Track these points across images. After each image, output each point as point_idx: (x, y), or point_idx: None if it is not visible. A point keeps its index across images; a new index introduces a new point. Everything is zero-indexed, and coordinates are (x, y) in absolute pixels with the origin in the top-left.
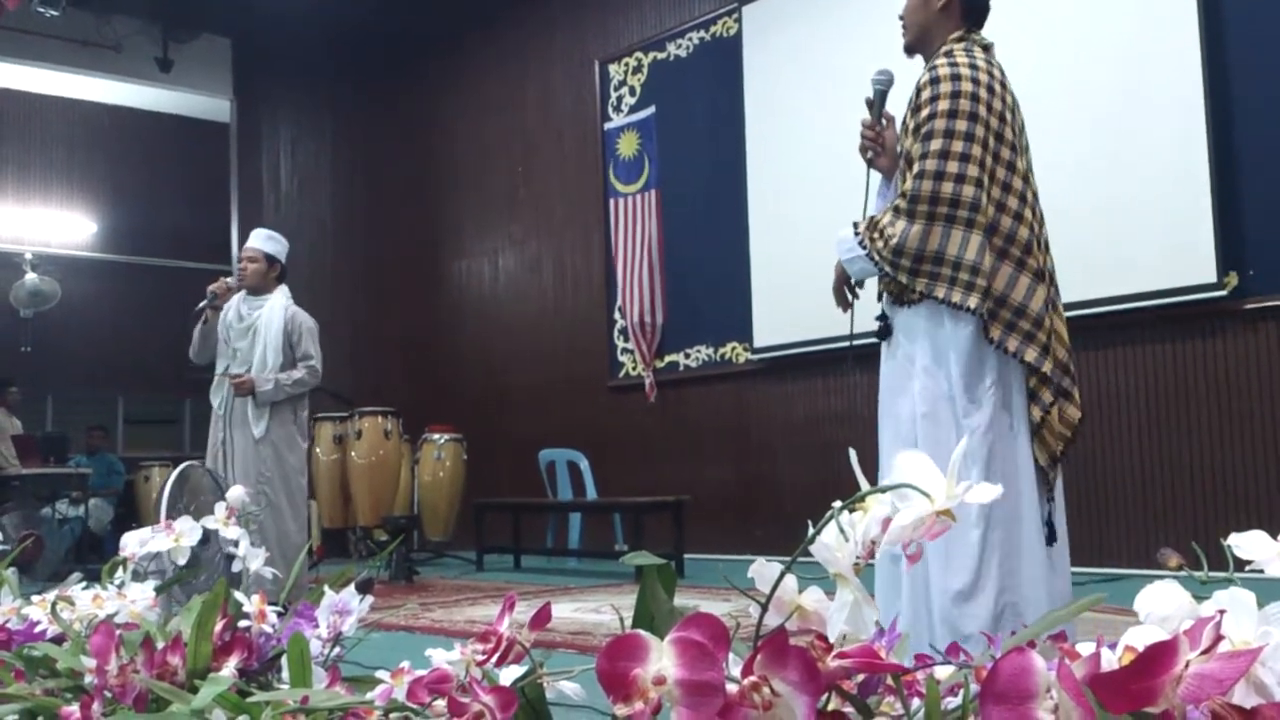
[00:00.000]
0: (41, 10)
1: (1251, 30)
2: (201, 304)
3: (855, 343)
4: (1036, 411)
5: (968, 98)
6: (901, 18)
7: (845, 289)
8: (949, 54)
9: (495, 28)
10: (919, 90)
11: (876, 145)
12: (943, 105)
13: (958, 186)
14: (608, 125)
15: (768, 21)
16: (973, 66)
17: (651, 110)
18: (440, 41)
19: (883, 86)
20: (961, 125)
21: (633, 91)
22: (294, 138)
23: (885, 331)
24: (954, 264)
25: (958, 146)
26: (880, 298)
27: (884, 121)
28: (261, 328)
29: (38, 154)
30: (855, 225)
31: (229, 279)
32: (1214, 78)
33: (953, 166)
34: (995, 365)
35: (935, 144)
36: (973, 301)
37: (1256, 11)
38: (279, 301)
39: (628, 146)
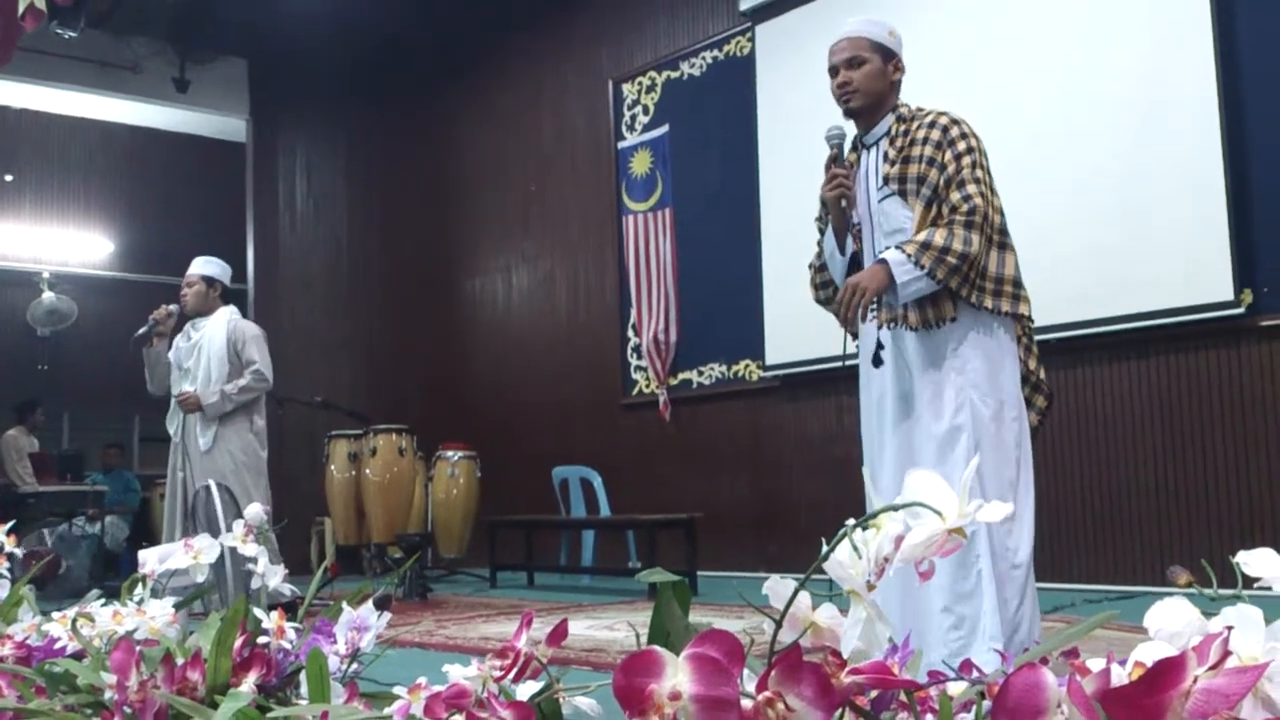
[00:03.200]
0: (60, 31)
1: (1266, 48)
2: (141, 330)
3: (848, 362)
4: (1034, 416)
5: (982, 142)
6: (848, 84)
7: (856, 308)
8: (925, 109)
9: (509, 47)
10: (945, 129)
11: (849, 193)
12: (974, 143)
13: (995, 215)
14: (621, 144)
15: (781, 40)
16: (966, 120)
17: (665, 129)
18: (455, 61)
19: (839, 140)
20: (986, 163)
21: (646, 110)
22: (309, 157)
23: (879, 359)
24: (997, 278)
25: (989, 180)
26: (886, 325)
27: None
28: (205, 343)
29: (55, 174)
30: (901, 249)
31: (170, 306)
32: (1228, 95)
33: (991, 196)
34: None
35: (979, 173)
36: (1024, 309)
37: (1271, 28)
38: (223, 317)
39: (641, 165)
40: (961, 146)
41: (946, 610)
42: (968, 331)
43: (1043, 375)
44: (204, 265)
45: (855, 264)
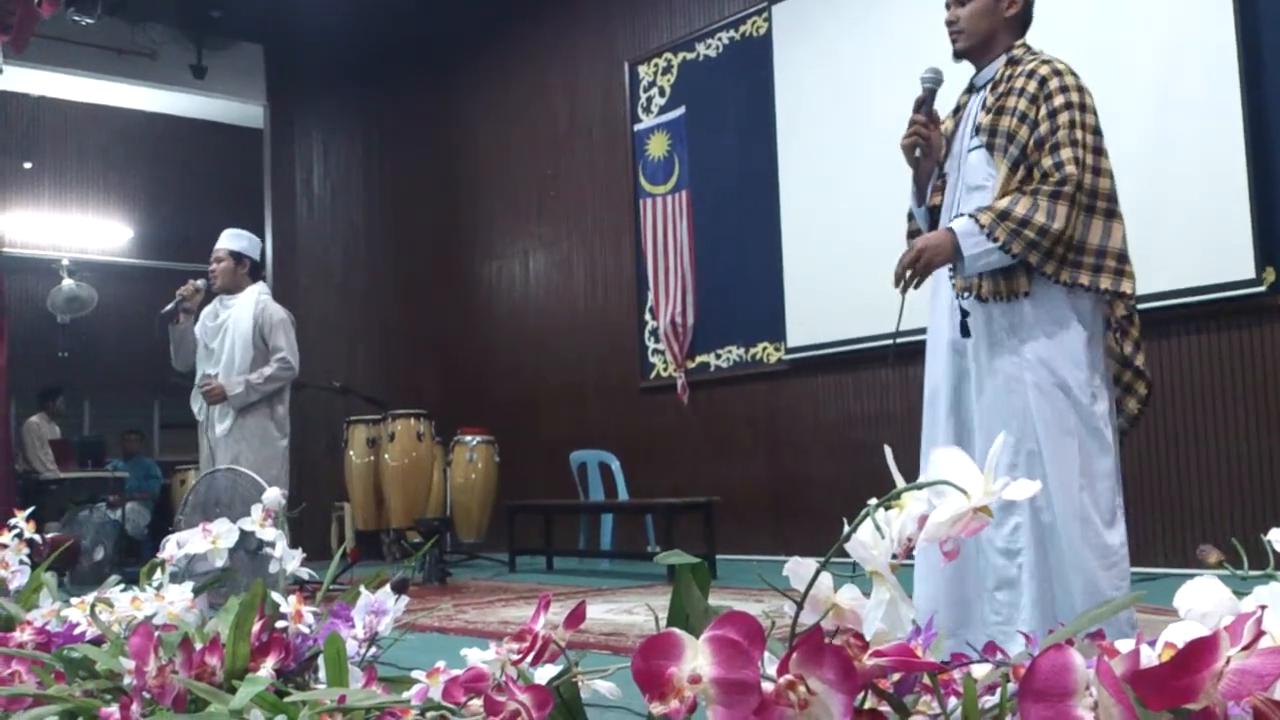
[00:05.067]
0: (77, 19)
1: None
2: (167, 307)
3: (899, 340)
4: (1134, 405)
5: (1089, 96)
6: (953, 23)
7: (915, 276)
8: (1040, 54)
9: (524, 30)
10: (1043, 80)
11: (925, 144)
12: (1075, 98)
13: (1097, 179)
14: (637, 126)
15: (797, 20)
16: (1074, 71)
17: (681, 111)
18: (470, 45)
19: (933, 85)
20: (1091, 121)
21: (662, 92)
22: (326, 142)
23: (966, 329)
24: (1098, 251)
25: (1092, 140)
26: (961, 295)
27: (931, 121)
28: (231, 325)
29: (74, 161)
30: (974, 217)
31: (198, 282)
32: (1250, 74)
33: (1092, 159)
34: (1103, 354)
35: (1079, 134)
36: (1127, 286)
37: None
38: (250, 297)
39: (658, 147)
40: (1059, 102)
41: (993, 592)
42: (1040, 308)
43: (1140, 362)
44: (232, 239)
45: (936, 218)
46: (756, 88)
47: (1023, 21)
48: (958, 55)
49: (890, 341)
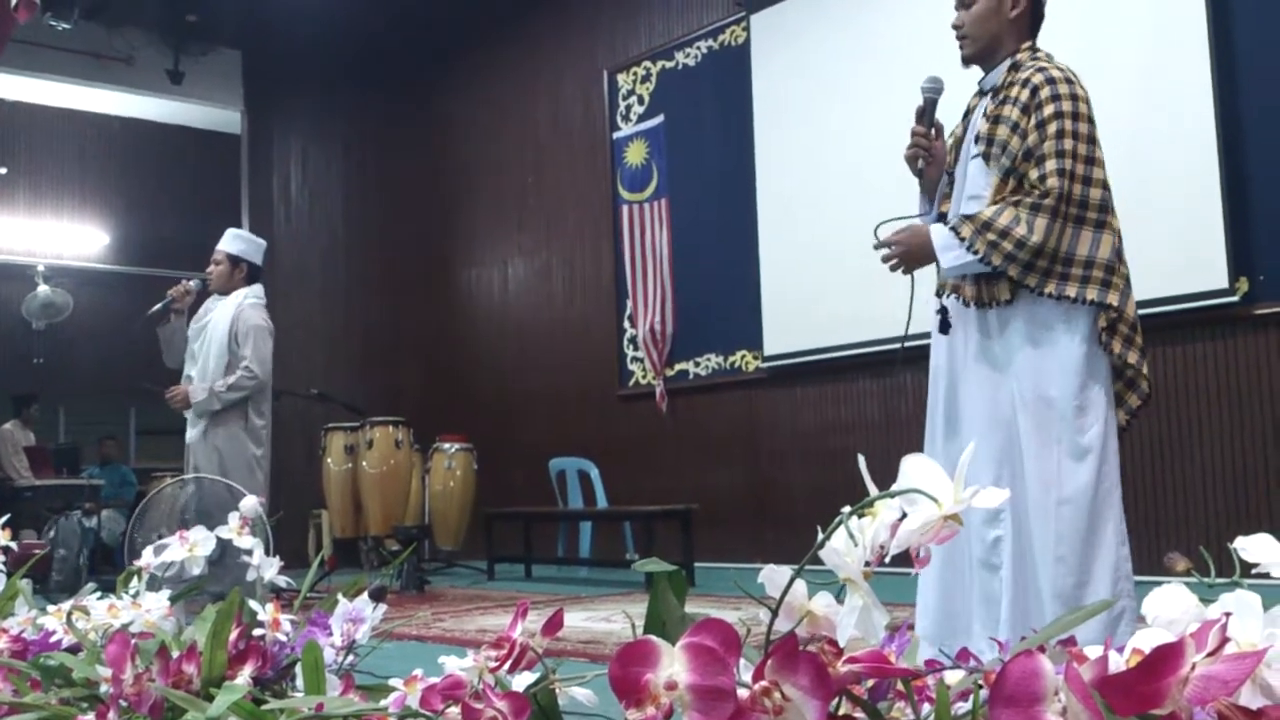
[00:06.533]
0: (54, 23)
1: (1260, 37)
2: (155, 307)
3: (908, 344)
4: (1123, 415)
5: (1084, 103)
6: (959, 27)
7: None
8: (1040, 59)
9: (505, 38)
10: (1035, 89)
11: (928, 154)
12: (1066, 106)
13: (1087, 189)
14: (616, 134)
15: (776, 30)
16: (1074, 75)
17: (660, 119)
18: (450, 52)
19: (934, 95)
20: (1084, 129)
21: (641, 100)
22: (305, 149)
23: (946, 325)
24: (1086, 263)
25: (1083, 149)
26: (941, 293)
27: (934, 130)
28: (211, 328)
29: (50, 166)
30: (955, 229)
31: (190, 283)
32: (1223, 84)
33: (1082, 169)
34: (1104, 367)
35: (1067, 144)
36: (1113, 298)
37: (1265, 19)
38: (233, 301)
39: (636, 155)
40: (1048, 112)
41: (980, 605)
42: (1030, 319)
43: (1145, 370)
44: (230, 241)
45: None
46: (735, 96)
47: (1031, 22)
48: (966, 61)
49: (899, 347)
